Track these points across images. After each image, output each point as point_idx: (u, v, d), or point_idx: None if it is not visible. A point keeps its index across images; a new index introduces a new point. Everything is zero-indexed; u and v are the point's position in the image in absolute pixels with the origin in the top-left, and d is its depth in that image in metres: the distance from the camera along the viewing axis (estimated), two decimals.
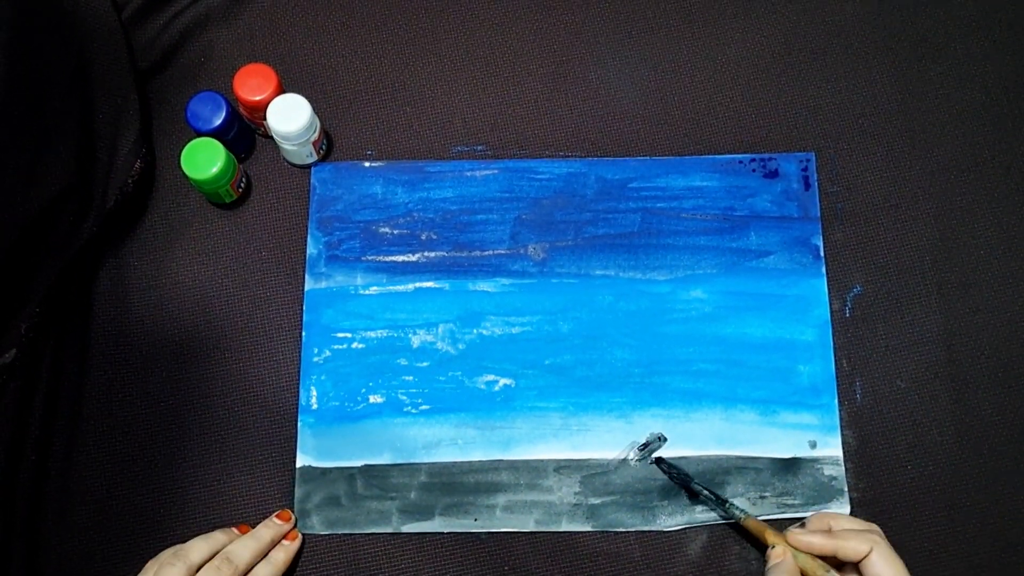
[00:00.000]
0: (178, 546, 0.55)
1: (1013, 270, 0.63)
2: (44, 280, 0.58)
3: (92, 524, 0.56)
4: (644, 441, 0.60)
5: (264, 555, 0.57)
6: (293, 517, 0.58)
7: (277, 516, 0.58)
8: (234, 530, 0.58)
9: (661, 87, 0.67)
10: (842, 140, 0.66)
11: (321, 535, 0.59)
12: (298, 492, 0.59)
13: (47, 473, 0.59)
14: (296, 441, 0.60)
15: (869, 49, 0.68)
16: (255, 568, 0.56)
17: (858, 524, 0.54)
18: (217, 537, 0.56)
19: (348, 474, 0.59)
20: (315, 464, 0.60)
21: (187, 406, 0.61)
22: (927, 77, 0.67)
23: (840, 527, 0.54)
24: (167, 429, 0.61)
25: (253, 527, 0.58)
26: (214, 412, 0.61)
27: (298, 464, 0.60)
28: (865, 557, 0.51)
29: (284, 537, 0.58)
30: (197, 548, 0.55)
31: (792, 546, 0.53)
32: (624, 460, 0.60)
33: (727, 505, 0.57)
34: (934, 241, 0.64)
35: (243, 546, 0.56)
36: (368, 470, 0.60)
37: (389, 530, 0.59)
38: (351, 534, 0.59)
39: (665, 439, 0.60)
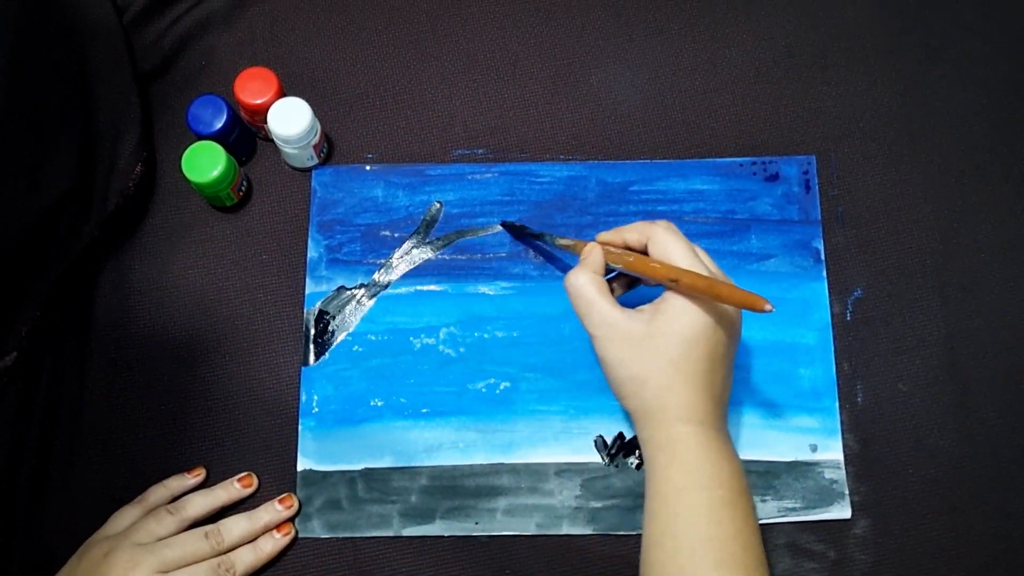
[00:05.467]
0: (178, 501, 0.57)
1: (1014, 273, 0.63)
2: (45, 283, 0.58)
3: (93, 526, 0.56)
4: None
5: (255, 537, 0.57)
6: (296, 503, 0.58)
7: (279, 501, 0.58)
8: (235, 483, 0.58)
9: (662, 90, 0.67)
10: (843, 143, 0.66)
11: (322, 538, 0.59)
12: (299, 495, 0.59)
13: (48, 476, 0.59)
14: (297, 444, 0.60)
15: (870, 52, 0.68)
16: (239, 549, 0.56)
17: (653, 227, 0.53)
18: (217, 494, 0.58)
19: (349, 477, 0.59)
20: (316, 467, 0.60)
21: (188, 410, 0.61)
22: (928, 80, 0.67)
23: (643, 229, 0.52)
24: (168, 432, 0.61)
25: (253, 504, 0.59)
26: (215, 415, 0.61)
27: (299, 467, 0.60)
28: (648, 241, 0.51)
29: (279, 527, 0.58)
30: (195, 504, 0.57)
31: (600, 243, 0.53)
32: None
33: (547, 236, 0.59)
34: (935, 244, 0.64)
35: (236, 524, 0.56)
36: (369, 473, 0.60)
37: (390, 533, 0.59)
38: (352, 537, 0.59)
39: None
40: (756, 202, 0.65)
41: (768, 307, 0.44)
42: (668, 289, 0.49)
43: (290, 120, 0.60)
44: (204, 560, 0.54)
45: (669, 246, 0.49)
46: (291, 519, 0.58)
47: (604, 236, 0.53)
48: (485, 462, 0.60)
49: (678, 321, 0.47)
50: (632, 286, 0.55)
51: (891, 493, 0.59)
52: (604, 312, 0.49)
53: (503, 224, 0.63)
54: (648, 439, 0.48)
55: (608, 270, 0.53)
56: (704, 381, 0.48)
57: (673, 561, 0.46)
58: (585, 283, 0.50)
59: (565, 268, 0.63)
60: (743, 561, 0.45)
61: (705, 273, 0.48)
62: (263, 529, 0.57)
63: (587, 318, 0.50)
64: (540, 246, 0.63)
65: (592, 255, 0.52)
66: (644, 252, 0.51)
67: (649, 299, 0.50)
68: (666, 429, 0.47)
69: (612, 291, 0.53)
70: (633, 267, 0.50)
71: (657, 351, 0.47)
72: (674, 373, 0.47)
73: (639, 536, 0.58)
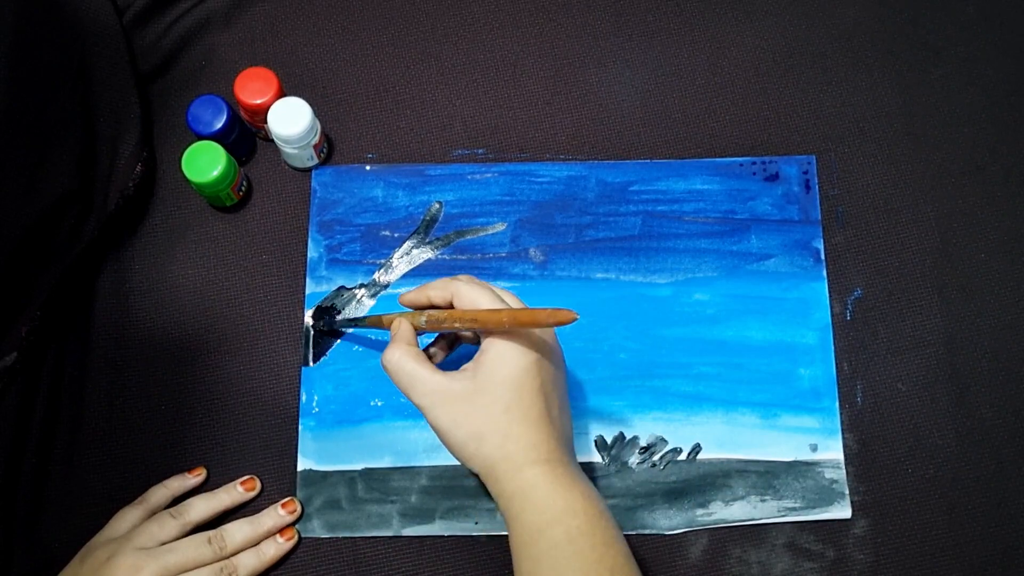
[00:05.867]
0: (180, 505, 0.57)
1: (1014, 273, 0.63)
2: (45, 283, 0.58)
3: (94, 527, 0.56)
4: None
5: (258, 542, 0.57)
6: (298, 508, 0.58)
7: (282, 505, 0.58)
8: (238, 487, 0.58)
9: (661, 90, 0.67)
10: (843, 143, 0.66)
11: (322, 538, 0.59)
12: (299, 495, 0.59)
13: (48, 476, 0.59)
14: (297, 444, 0.60)
15: (870, 52, 0.68)
16: (242, 554, 0.56)
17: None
18: (220, 498, 0.58)
19: (349, 477, 0.59)
20: (316, 467, 0.60)
21: (188, 409, 0.61)
22: (928, 80, 0.67)
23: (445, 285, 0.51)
24: (168, 432, 0.61)
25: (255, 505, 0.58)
26: (215, 415, 0.61)
27: (299, 467, 0.60)
28: (452, 296, 0.50)
29: (281, 531, 0.58)
30: (198, 508, 0.57)
31: (403, 307, 0.53)
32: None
33: (357, 320, 0.59)
34: (935, 244, 0.64)
35: (239, 528, 0.56)
36: (369, 473, 0.60)
37: (390, 533, 0.59)
38: (352, 537, 0.59)
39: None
40: (756, 202, 0.65)
41: (574, 316, 0.43)
42: (484, 338, 0.48)
43: (290, 120, 0.60)
44: (207, 565, 0.54)
45: (474, 294, 0.48)
46: (293, 523, 0.58)
47: (407, 297, 0.53)
48: None
49: (502, 367, 0.46)
50: (452, 348, 0.55)
51: (890, 493, 0.59)
52: (426, 380, 0.48)
53: (313, 319, 0.62)
54: (500, 493, 0.47)
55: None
56: (540, 420, 0.47)
57: None
58: (400, 357, 0.48)
59: (572, 276, 0.63)
60: None
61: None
62: (266, 534, 0.57)
63: (411, 391, 0.48)
64: (354, 333, 0.62)
65: (400, 328, 0.51)
66: (450, 307, 0.51)
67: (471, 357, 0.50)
68: (513, 477, 0.46)
69: (432, 357, 0.53)
70: (439, 322, 0.50)
71: (487, 404, 0.46)
72: (509, 420, 0.46)
73: (639, 536, 0.58)
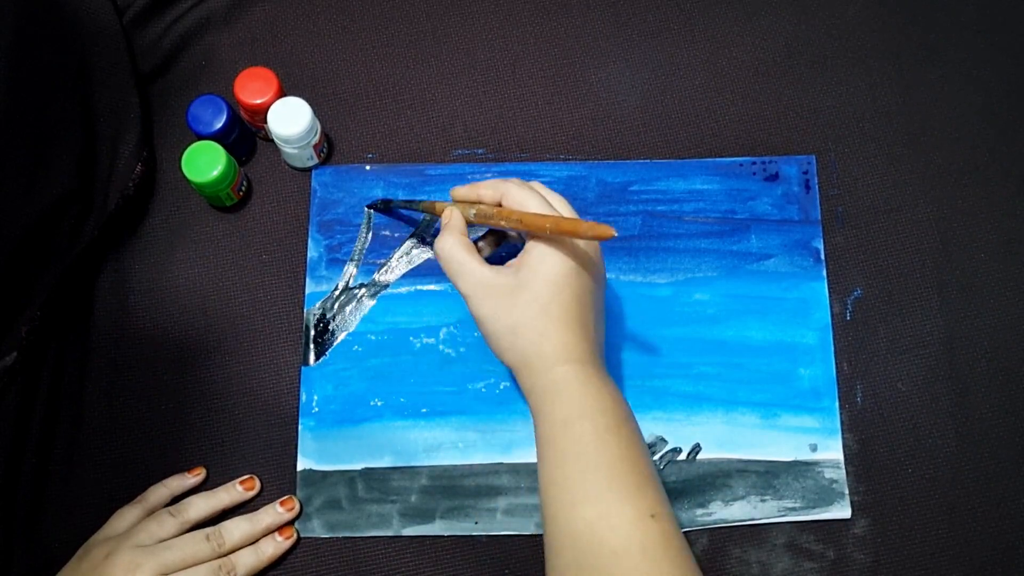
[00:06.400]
0: (179, 503, 0.57)
1: (1014, 273, 0.63)
2: (45, 283, 0.58)
3: (93, 527, 0.56)
4: None
5: (256, 539, 0.57)
6: (297, 506, 0.58)
7: (281, 503, 0.58)
8: (237, 486, 0.58)
9: (662, 90, 0.67)
10: (843, 143, 0.66)
11: (322, 538, 0.59)
12: (299, 495, 0.59)
13: (48, 475, 0.59)
14: (297, 444, 0.60)
15: (870, 52, 0.68)
16: (241, 552, 0.56)
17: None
18: (220, 497, 0.58)
19: (349, 477, 0.59)
20: (316, 467, 0.60)
21: (188, 409, 0.61)
22: (928, 80, 0.67)
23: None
24: (168, 432, 0.61)
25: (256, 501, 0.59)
26: (215, 415, 0.61)
27: (299, 467, 0.60)
28: (502, 196, 0.52)
29: (280, 529, 0.58)
30: (197, 507, 0.57)
31: (455, 200, 0.55)
32: None
33: (414, 203, 0.61)
34: (935, 244, 0.64)
35: (237, 526, 0.56)
36: (369, 473, 0.60)
37: (390, 533, 0.59)
38: (352, 537, 0.59)
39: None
40: (756, 202, 0.65)
41: (612, 232, 0.45)
42: (529, 240, 0.50)
43: (290, 120, 0.61)
44: (205, 562, 0.54)
45: (522, 196, 0.51)
46: (292, 521, 0.58)
47: (459, 191, 0.55)
48: (485, 462, 0.60)
49: (542, 267, 0.49)
50: (497, 244, 0.57)
51: (890, 493, 0.59)
52: (474, 271, 0.50)
53: (369, 207, 0.64)
54: (531, 388, 0.49)
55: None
56: (576, 322, 0.49)
57: (567, 492, 0.46)
58: (453, 246, 0.51)
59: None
60: (632, 480, 0.46)
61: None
62: (264, 531, 0.57)
63: (459, 279, 0.51)
64: (408, 215, 0.64)
65: (453, 218, 0.53)
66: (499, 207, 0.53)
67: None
68: (545, 373, 0.48)
69: (480, 250, 0.54)
70: (487, 218, 0.52)
71: (527, 300, 0.48)
72: (546, 318, 0.48)
73: None
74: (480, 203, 0.53)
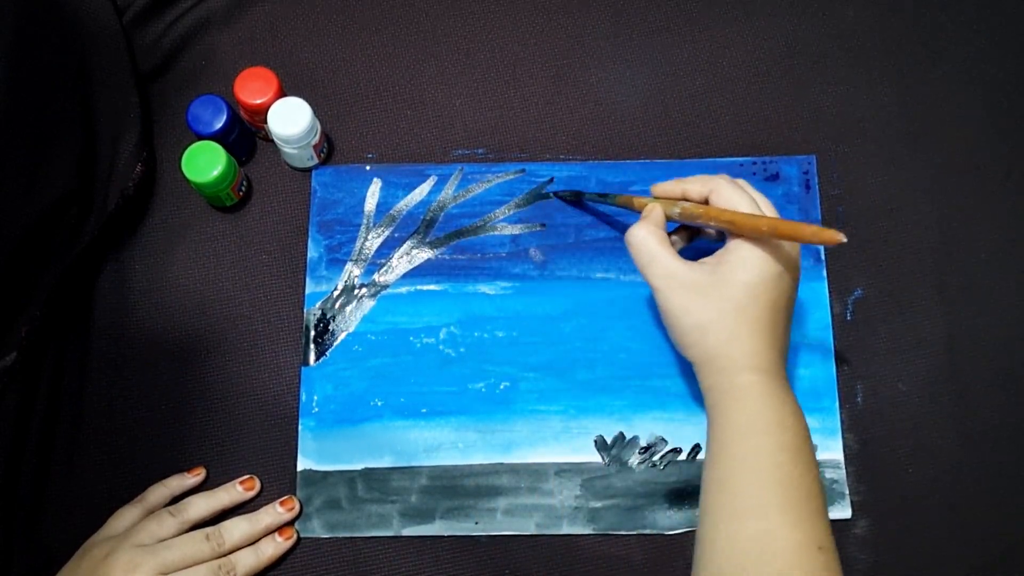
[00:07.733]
0: (179, 503, 0.57)
1: (1014, 272, 0.63)
2: (45, 283, 0.58)
3: (93, 527, 0.56)
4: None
5: (256, 539, 0.57)
6: (297, 506, 0.58)
7: (281, 503, 0.58)
8: (237, 486, 0.58)
9: (662, 90, 0.67)
10: (843, 143, 0.66)
11: (322, 538, 0.59)
12: (299, 495, 0.59)
13: (48, 475, 0.59)
14: (297, 444, 0.60)
15: (870, 52, 0.68)
16: (240, 552, 0.56)
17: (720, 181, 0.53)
18: (220, 496, 0.58)
19: (349, 477, 0.59)
20: (316, 467, 0.60)
21: (188, 409, 0.61)
22: (928, 80, 0.67)
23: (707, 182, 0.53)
24: (168, 432, 0.61)
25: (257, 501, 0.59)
26: (215, 415, 0.61)
27: (299, 467, 0.60)
28: (711, 193, 0.51)
29: (280, 530, 0.58)
30: (197, 507, 0.57)
31: (656, 196, 0.55)
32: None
33: (608, 196, 0.59)
34: (935, 244, 0.64)
35: (237, 525, 0.56)
36: (369, 473, 0.60)
37: (390, 533, 0.59)
38: (352, 537, 0.59)
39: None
40: None
41: (840, 237, 0.43)
42: (731, 239, 0.49)
43: (290, 120, 0.60)
44: (205, 562, 0.54)
45: (735, 196, 0.50)
46: (292, 522, 0.58)
47: (662, 187, 0.54)
48: (485, 462, 0.60)
49: (742, 269, 0.48)
50: (691, 239, 0.56)
51: (891, 493, 0.59)
52: (666, 263, 0.50)
53: (555, 194, 0.64)
54: (711, 386, 0.49)
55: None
56: (767, 330, 0.48)
57: (736, 499, 0.46)
58: (646, 236, 0.50)
59: (572, 276, 0.63)
60: (805, 507, 0.45)
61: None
62: (264, 531, 0.57)
63: (649, 270, 0.50)
64: (596, 208, 0.64)
65: (654, 212, 0.53)
66: (704, 203, 0.52)
67: (709, 255, 0.51)
68: (730, 376, 0.48)
69: (672, 244, 0.53)
70: (693, 216, 0.51)
71: (721, 299, 0.48)
72: (738, 321, 0.48)
73: (639, 536, 0.58)
74: (684, 200, 0.52)
